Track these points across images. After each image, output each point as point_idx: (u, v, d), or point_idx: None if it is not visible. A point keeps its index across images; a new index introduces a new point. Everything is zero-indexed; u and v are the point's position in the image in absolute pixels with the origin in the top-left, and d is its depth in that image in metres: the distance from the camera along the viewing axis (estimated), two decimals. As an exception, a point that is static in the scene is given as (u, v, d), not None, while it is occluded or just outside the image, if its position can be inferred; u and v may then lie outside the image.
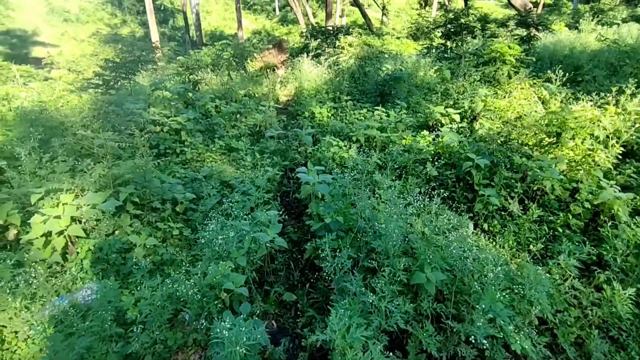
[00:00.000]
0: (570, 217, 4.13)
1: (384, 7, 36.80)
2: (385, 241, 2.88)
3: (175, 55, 14.49)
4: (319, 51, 11.02)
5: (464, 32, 9.31)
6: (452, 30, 9.63)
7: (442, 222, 3.16)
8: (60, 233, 3.50)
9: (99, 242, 3.63)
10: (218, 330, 2.34)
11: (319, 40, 11.72)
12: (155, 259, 3.70)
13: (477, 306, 2.55)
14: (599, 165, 4.88)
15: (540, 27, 12.44)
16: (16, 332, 2.97)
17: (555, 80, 6.32)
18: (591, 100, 5.64)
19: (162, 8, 42.75)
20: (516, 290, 2.83)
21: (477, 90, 6.35)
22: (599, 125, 5.35)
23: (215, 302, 2.87)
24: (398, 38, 22.33)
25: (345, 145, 5.84)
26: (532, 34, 11.64)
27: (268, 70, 11.47)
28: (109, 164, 4.06)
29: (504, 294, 2.72)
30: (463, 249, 2.99)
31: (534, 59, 8.60)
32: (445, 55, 10.80)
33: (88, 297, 3.22)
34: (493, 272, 2.79)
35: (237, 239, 3.16)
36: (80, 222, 3.64)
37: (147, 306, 2.90)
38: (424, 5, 33.52)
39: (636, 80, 6.41)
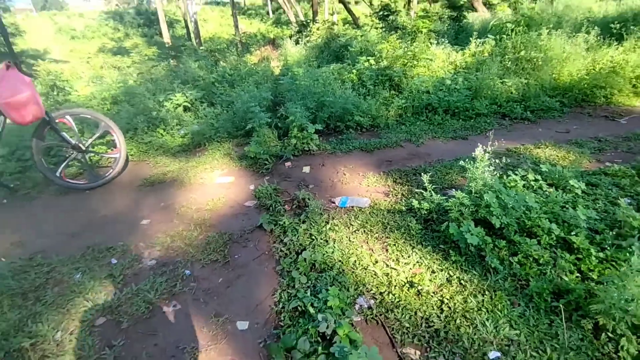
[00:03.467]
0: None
1: (370, 4, 42.53)
2: (310, 89, 8.24)
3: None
4: (298, 37, 16.65)
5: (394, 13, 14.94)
6: (386, 13, 15.29)
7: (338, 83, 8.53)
8: (179, 106, 8.89)
9: (195, 111, 9.05)
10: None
11: (299, 30, 17.40)
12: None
13: (342, 105, 7.86)
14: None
15: (468, 9, 17.97)
16: (172, 138, 8.29)
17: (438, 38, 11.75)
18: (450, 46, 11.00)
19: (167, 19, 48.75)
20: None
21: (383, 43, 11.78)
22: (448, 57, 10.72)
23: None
24: (376, 28, 27.86)
25: (309, 81, 11.19)
26: (458, 14, 17.12)
27: (265, 60, 17.02)
28: (193, 82, 9.51)
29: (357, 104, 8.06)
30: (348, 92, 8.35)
31: (443, 29, 13.97)
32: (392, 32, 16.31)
33: (195, 127, 8.56)
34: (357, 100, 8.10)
35: (251, 97, 8.54)
36: (187, 101, 9.05)
37: (223, 118, 8.27)
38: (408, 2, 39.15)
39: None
